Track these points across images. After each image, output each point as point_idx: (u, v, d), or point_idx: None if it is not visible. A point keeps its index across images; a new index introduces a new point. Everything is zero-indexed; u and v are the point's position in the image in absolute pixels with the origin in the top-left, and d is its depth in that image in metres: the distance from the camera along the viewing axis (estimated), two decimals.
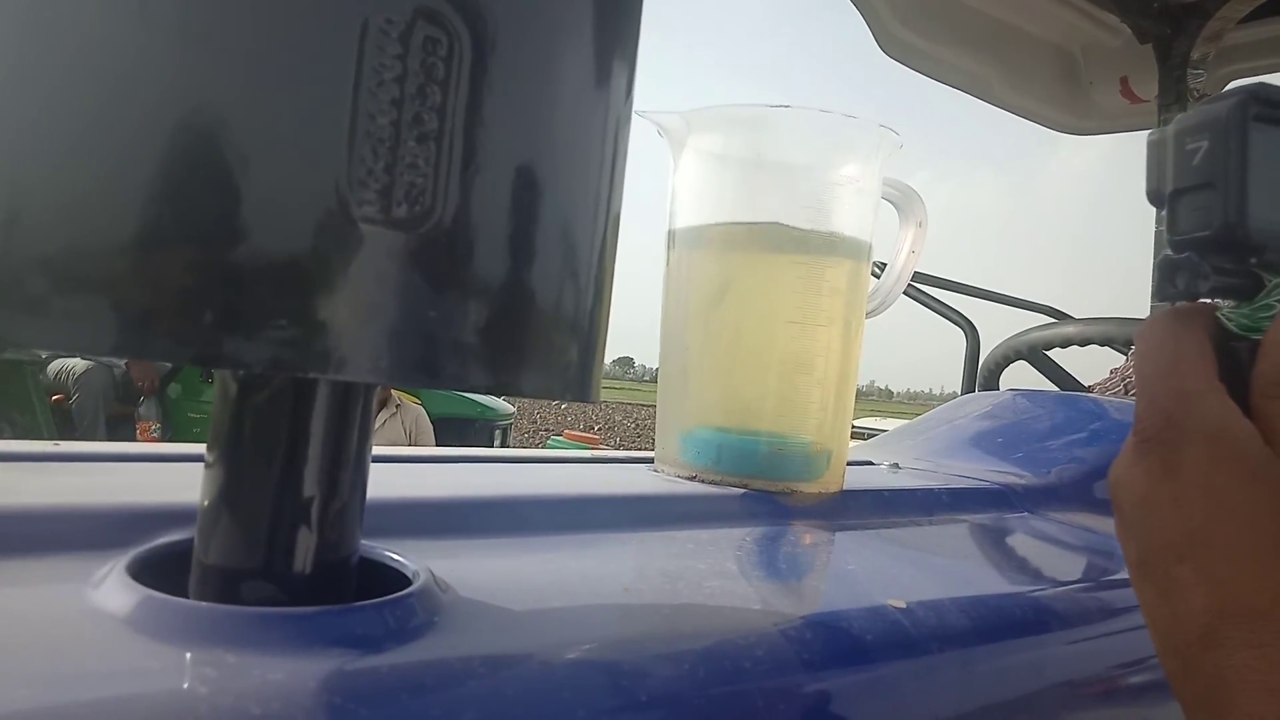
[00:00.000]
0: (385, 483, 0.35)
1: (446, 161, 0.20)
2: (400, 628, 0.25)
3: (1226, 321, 0.28)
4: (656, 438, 0.56)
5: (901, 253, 0.59)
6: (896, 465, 0.67)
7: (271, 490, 0.25)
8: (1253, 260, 0.27)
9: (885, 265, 0.60)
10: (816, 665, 0.30)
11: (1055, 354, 1.32)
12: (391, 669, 0.23)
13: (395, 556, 0.30)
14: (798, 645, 0.31)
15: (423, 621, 0.26)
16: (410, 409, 3.56)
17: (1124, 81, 1.50)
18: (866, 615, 0.34)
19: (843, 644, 0.32)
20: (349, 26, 0.19)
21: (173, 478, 0.38)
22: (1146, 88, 1.45)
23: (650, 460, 0.57)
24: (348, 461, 0.26)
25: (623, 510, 0.44)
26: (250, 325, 0.19)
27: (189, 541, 0.26)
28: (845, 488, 0.54)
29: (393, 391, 3.45)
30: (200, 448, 0.30)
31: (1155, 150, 0.29)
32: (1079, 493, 0.63)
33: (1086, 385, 1.26)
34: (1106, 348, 1.26)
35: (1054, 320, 1.53)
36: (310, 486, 0.25)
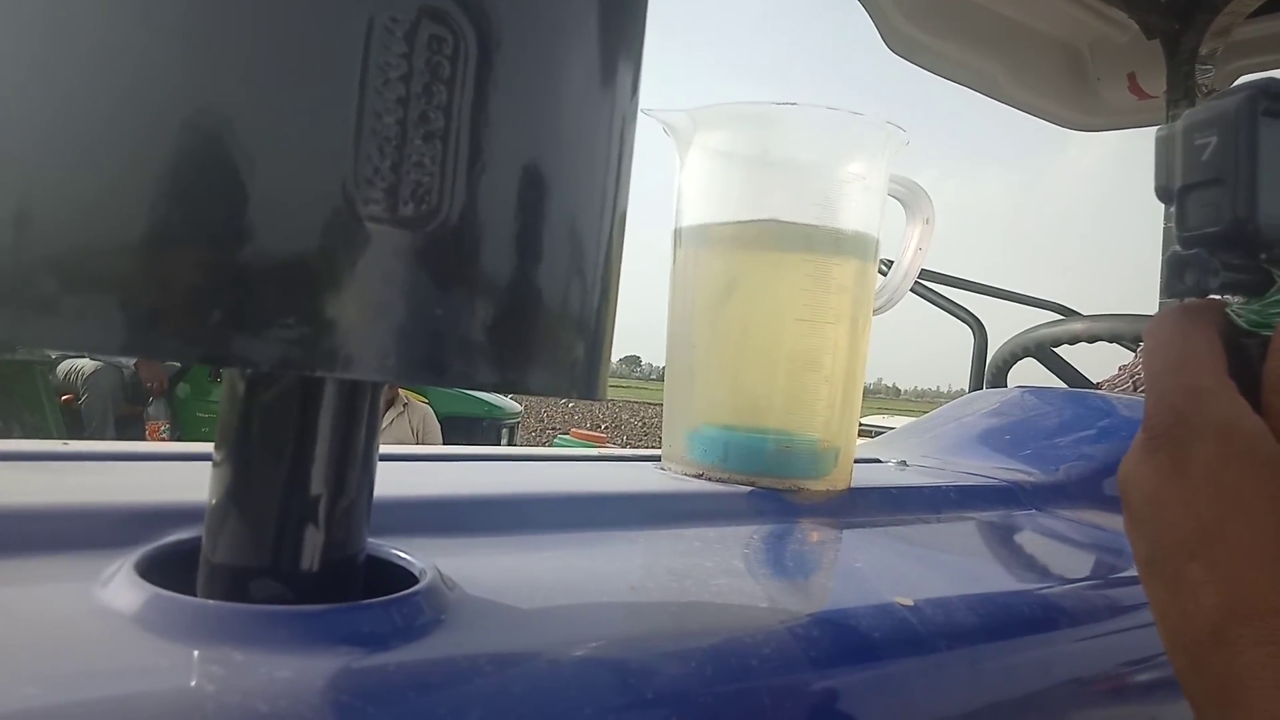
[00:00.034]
0: (392, 481, 0.35)
1: (453, 160, 0.20)
2: (407, 626, 0.25)
3: (1236, 318, 0.28)
4: (663, 436, 0.56)
5: (909, 250, 0.59)
6: (904, 463, 0.67)
7: (279, 489, 0.25)
8: (1262, 256, 0.27)
9: (892, 262, 0.60)
10: (824, 663, 0.30)
11: (1063, 351, 1.31)
12: (399, 667, 0.23)
13: (402, 555, 0.30)
14: (805, 643, 0.30)
15: (430, 619, 0.26)
16: (418, 408, 3.57)
17: (1131, 77, 1.50)
18: (874, 613, 0.34)
19: (850, 642, 0.32)
20: (354, 25, 0.19)
21: (180, 477, 0.38)
22: (1154, 83, 1.44)
23: (657, 458, 0.57)
24: (355, 460, 0.26)
25: (629, 508, 0.44)
26: (258, 324, 0.19)
27: (197, 540, 0.26)
28: (853, 485, 0.54)
29: (400, 390, 3.46)
30: (208, 447, 0.30)
31: (1164, 146, 0.29)
32: (1087, 490, 0.63)
33: (1095, 382, 1.25)
34: (1115, 345, 1.26)
35: (1062, 317, 1.52)
36: (318, 485, 0.25)
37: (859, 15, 1.38)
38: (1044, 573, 0.49)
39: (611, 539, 0.40)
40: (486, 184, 0.21)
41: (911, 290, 0.61)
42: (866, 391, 0.58)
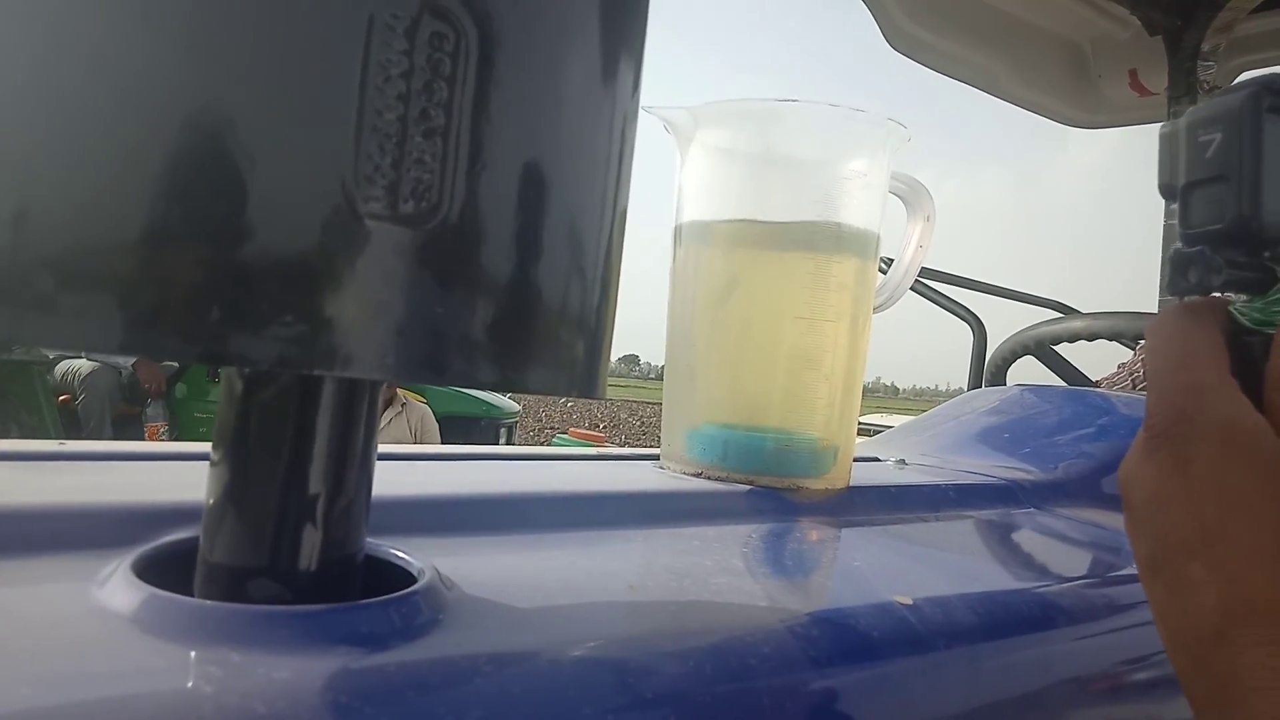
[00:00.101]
0: (390, 481, 0.35)
1: (453, 157, 0.20)
2: (406, 625, 0.25)
3: (1239, 316, 0.28)
4: (662, 434, 0.56)
5: (909, 247, 0.59)
6: (903, 461, 0.67)
7: (277, 488, 0.25)
8: (1266, 254, 0.27)
9: (892, 261, 0.60)
10: (823, 662, 0.30)
11: (1062, 349, 1.31)
12: (398, 667, 0.23)
13: (401, 554, 0.30)
14: (804, 642, 0.30)
15: (428, 619, 0.26)
16: (416, 408, 3.57)
17: (1133, 74, 1.50)
18: (873, 612, 0.34)
19: (850, 640, 0.32)
20: (355, 22, 0.19)
21: (178, 476, 0.38)
22: (1156, 80, 1.44)
23: (656, 457, 0.57)
24: (353, 459, 0.26)
25: (628, 507, 0.44)
26: (257, 322, 0.18)
27: (194, 540, 0.26)
28: (852, 484, 0.54)
29: (398, 390, 3.45)
30: (206, 446, 0.30)
31: (1168, 143, 0.29)
32: (1087, 488, 0.63)
33: (1094, 380, 1.25)
34: (1114, 342, 1.26)
35: (1061, 315, 1.52)
36: (316, 484, 0.25)
37: (859, 13, 1.38)
38: (1043, 571, 0.49)
39: (610, 538, 0.40)
40: (487, 181, 0.21)
41: (910, 288, 0.61)
42: (864, 390, 0.58)
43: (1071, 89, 1.54)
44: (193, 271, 0.18)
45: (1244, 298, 0.28)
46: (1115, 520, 0.57)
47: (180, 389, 4.34)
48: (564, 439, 6.00)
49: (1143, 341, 1.18)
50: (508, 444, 4.90)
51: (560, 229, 0.22)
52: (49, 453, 0.40)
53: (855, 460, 0.55)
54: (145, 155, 0.18)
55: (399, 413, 3.47)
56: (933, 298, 1.70)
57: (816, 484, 0.52)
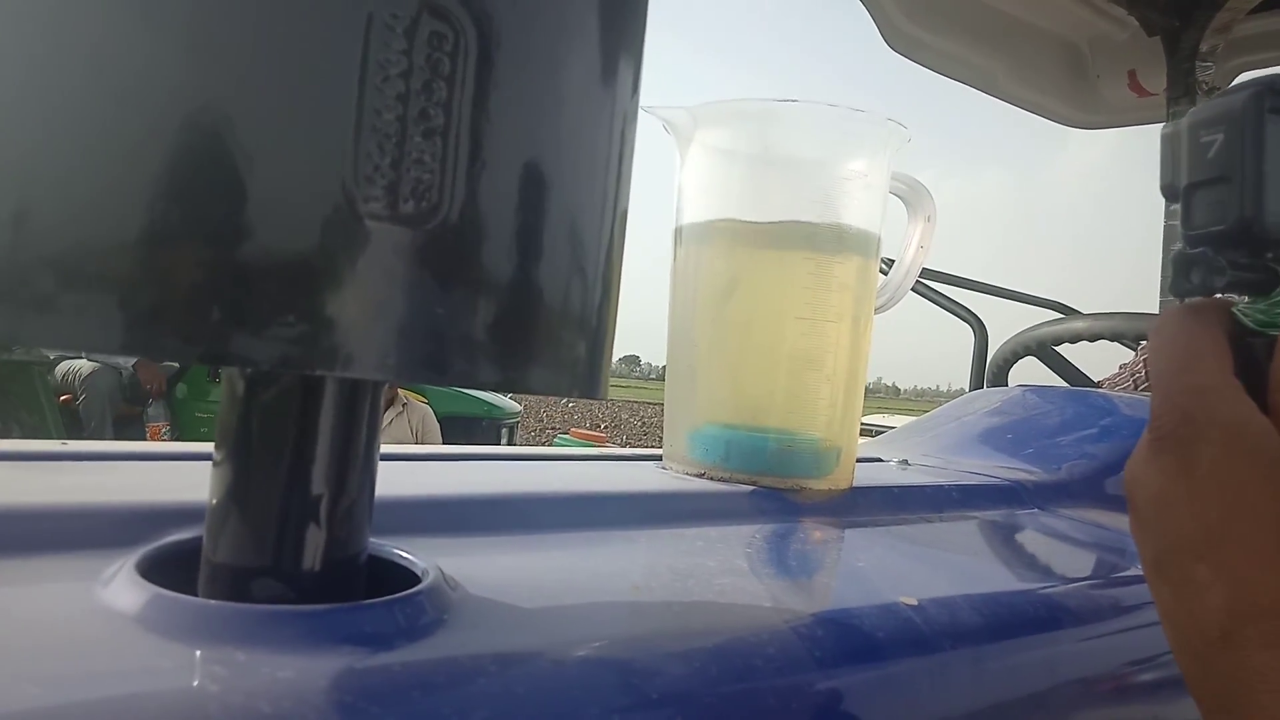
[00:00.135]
0: (392, 481, 0.35)
1: (453, 157, 0.20)
2: (410, 625, 0.25)
3: (1243, 317, 0.28)
4: (664, 435, 0.56)
5: (910, 248, 0.59)
6: (906, 462, 0.67)
7: (280, 488, 0.25)
8: (1269, 255, 0.27)
9: (893, 262, 0.60)
10: (828, 663, 0.30)
11: (1064, 349, 1.31)
12: (402, 667, 0.23)
13: (404, 554, 0.30)
14: (809, 643, 0.30)
15: (432, 619, 0.26)
16: (417, 408, 3.57)
17: (1132, 75, 1.49)
18: (878, 612, 0.34)
19: (855, 641, 0.32)
20: (354, 21, 0.19)
21: (181, 476, 0.38)
22: (1154, 81, 1.44)
23: (658, 458, 0.57)
24: (356, 459, 0.26)
25: (631, 508, 0.44)
26: (257, 322, 0.18)
27: (198, 540, 0.26)
28: (854, 484, 0.54)
29: (399, 391, 3.45)
30: (208, 446, 0.30)
31: (1170, 144, 0.29)
32: (1090, 489, 0.63)
33: (1096, 381, 1.25)
34: (1115, 343, 1.26)
35: (1062, 315, 1.52)
36: (319, 484, 0.25)
37: (858, 14, 1.38)
38: (1047, 572, 0.49)
39: (613, 539, 0.40)
40: (487, 181, 0.21)
41: (912, 289, 0.61)
42: (865, 390, 0.57)
43: (1070, 89, 1.54)
44: (193, 271, 0.18)
45: (1247, 299, 0.28)
46: (1119, 521, 0.57)
47: (181, 389, 4.34)
48: (565, 439, 6.00)
49: (1144, 342, 1.18)
50: (509, 444, 4.90)
51: (561, 229, 0.22)
52: (51, 453, 0.40)
53: (858, 461, 0.55)
54: (145, 155, 0.18)
55: (400, 413, 3.47)
56: (934, 298, 1.70)
57: (819, 484, 0.52)
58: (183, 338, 0.18)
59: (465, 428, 4.61)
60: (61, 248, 0.18)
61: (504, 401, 5.09)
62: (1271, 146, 0.26)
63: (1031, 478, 0.62)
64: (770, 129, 0.52)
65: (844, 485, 0.53)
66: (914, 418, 0.87)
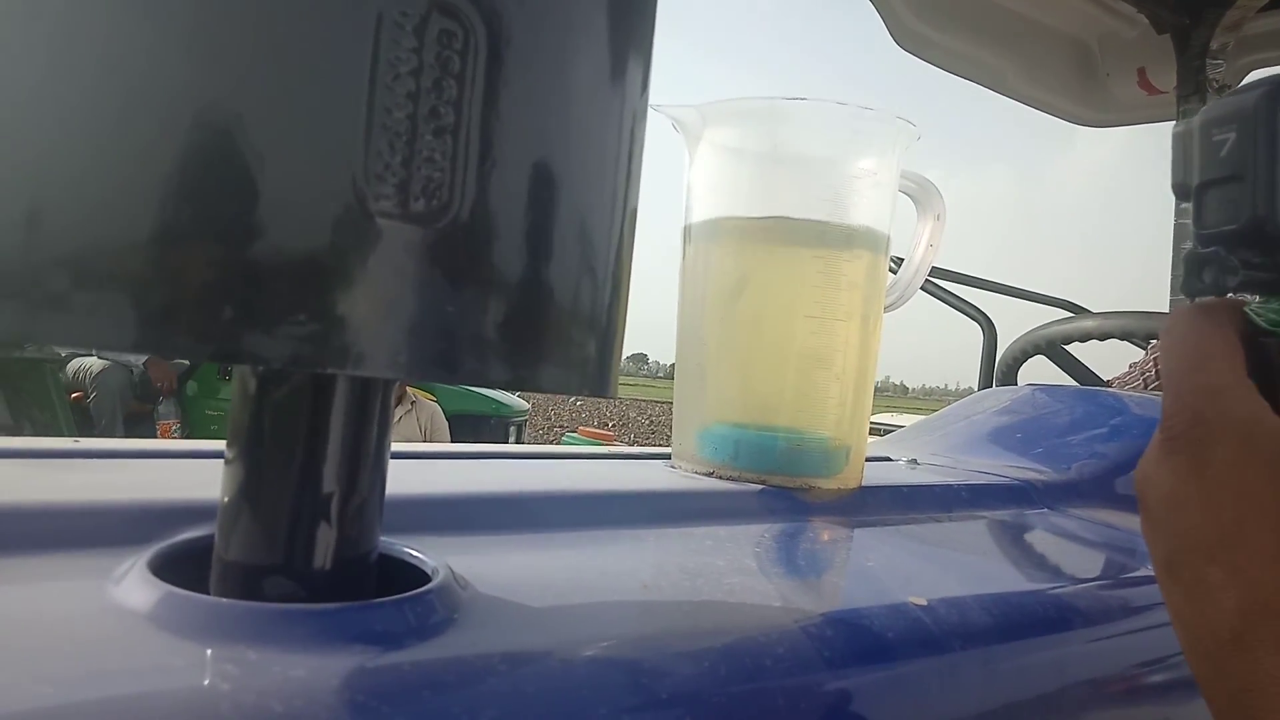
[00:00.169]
0: (402, 479, 0.35)
1: (463, 156, 0.20)
2: (421, 624, 0.25)
3: (1255, 317, 0.27)
4: (673, 433, 0.56)
5: (919, 246, 0.59)
6: (915, 461, 0.66)
7: (291, 486, 0.25)
8: None
9: (902, 259, 0.60)
10: (838, 663, 0.30)
11: (1073, 348, 1.31)
12: (413, 665, 0.23)
13: (414, 553, 0.30)
14: (819, 642, 0.30)
15: (443, 618, 0.26)
16: (426, 406, 3.58)
17: (1141, 73, 1.49)
18: (888, 612, 0.34)
19: (864, 641, 0.32)
20: (364, 20, 0.19)
21: (193, 474, 0.38)
22: (1164, 79, 1.43)
23: (667, 456, 0.57)
24: (367, 457, 0.26)
25: (640, 506, 0.44)
26: (269, 321, 0.19)
27: (209, 538, 0.26)
28: (864, 484, 0.53)
29: (408, 389, 3.46)
30: (220, 444, 0.30)
31: (1181, 142, 0.29)
32: (1100, 488, 0.62)
33: (1106, 380, 1.25)
34: (1125, 342, 1.25)
35: (1072, 314, 1.52)
36: (330, 483, 0.25)
37: (858, 14, 1.37)
38: (1058, 572, 0.49)
39: (623, 537, 0.40)
40: (497, 180, 0.21)
41: (921, 287, 0.61)
42: (874, 389, 0.57)
43: (1079, 87, 1.53)
44: (205, 270, 0.18)
45: (1259, 299, 0.28)
46: (1130, 521, 0.57)
47: (191, 387, 4.36)
48: (574, 437, 6.00)
49: (1154, 341, 1.18)
50: (517, 442, 4.90)
51: (571, 227, 0.22)
52: (64, 450, 0.41)
53: (867, 460, 0.55)
54: (156, 155, 0.18)
55: (409, 411, 3.48)
56: (943, 297, 1.69)
57: (829, 484, 0.51)
58: (195, 336, 0.18)
59: (474, 425, 4.62)
60: (74, 247, 0.18)
61: (512, 399, 5.10)
62: None
63: (1041, 477, 0.62)
64: (779, 127, 0.52)
65: (853, 484, 0.53)
66: (923, 416, 0.86)
